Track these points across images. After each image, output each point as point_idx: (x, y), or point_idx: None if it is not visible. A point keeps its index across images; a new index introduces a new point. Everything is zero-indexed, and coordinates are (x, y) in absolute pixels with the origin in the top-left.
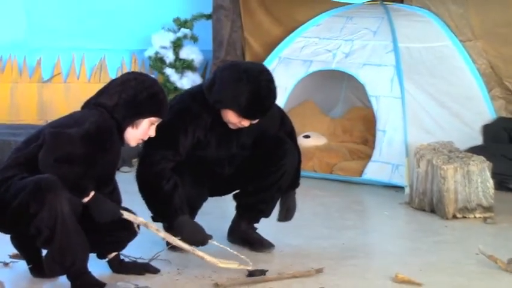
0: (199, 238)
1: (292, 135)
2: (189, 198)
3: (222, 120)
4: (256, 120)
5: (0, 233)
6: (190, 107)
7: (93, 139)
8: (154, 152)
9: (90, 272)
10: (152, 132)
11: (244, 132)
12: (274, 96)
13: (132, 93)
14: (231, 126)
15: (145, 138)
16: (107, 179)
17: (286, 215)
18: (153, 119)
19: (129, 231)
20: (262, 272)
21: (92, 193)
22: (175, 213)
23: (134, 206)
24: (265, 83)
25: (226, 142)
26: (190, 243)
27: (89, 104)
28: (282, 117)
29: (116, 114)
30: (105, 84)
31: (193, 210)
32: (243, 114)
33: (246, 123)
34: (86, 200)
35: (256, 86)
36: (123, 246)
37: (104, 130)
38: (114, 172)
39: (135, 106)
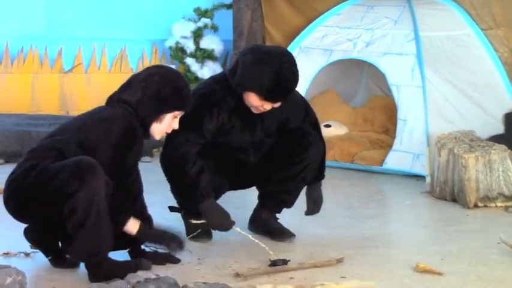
0: (224, 223)
1: (316, 126)
2: None
3: (245, 105)
4: (278, 104)
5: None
6: (215, 90)
7: (123, 147)
8: (179, 135)
9: (113, 259)
10: (176, 125)
11: (268, 118)
12: (296, 79)
13: (156, 89)
14: (253, 110)
15: (169, 131)
16: (130, 170)
17: (313, 208)
18: (176, 112)
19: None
20: (284, 262)
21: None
22: (201, 197)
23: (155, 195)
24: (287, 65)
25: (250, 127)
26: (216, 228)
27: (113, 101)
28: (306, 108)
29: (140, 110)
30: (127, 77)
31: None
32: (265, 96)
33: (267, 106)
34: None
35: (278, 67)
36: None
37: (131, 133)
38: (137, 163)
39: (160, 102)
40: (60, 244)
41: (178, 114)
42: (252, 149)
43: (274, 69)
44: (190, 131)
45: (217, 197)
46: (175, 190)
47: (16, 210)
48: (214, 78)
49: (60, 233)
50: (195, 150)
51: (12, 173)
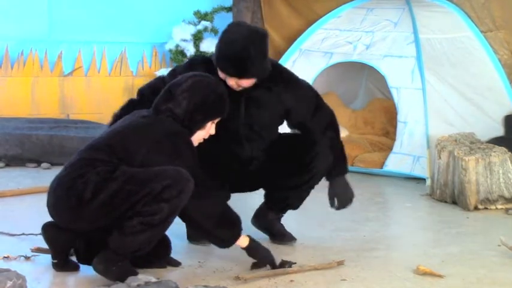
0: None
1: (330, 126)
2: None
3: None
4: (243, 81)
5: (21, 227)
6: (195, 66)
7: (191, 160)
8: None
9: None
10: (213, 130)
11: (253, 103)
12: (243, 47)
13: (201, 98)
14: (233, 87)
15: (207, 137)
16: None
17: (338, 204)
18: (217, 119)
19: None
20: (290, 264)
21: None
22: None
23: None
24: (242, 35)
25: (233, 110)
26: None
27: (159, 111)
28: (318, 106)
29: (187, 121)
30: (127, 81)
31: None
32: (219, 65)
33: (232, 81)
34: None
35: (230, 37)
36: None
37: (192, 147)
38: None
39: (206, 110)
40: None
41: (217, 120)
42: (245, 139)
43: (224, 37)
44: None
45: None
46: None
47: (76, 218)
48: (199, 60)
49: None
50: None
51: (61, 178)
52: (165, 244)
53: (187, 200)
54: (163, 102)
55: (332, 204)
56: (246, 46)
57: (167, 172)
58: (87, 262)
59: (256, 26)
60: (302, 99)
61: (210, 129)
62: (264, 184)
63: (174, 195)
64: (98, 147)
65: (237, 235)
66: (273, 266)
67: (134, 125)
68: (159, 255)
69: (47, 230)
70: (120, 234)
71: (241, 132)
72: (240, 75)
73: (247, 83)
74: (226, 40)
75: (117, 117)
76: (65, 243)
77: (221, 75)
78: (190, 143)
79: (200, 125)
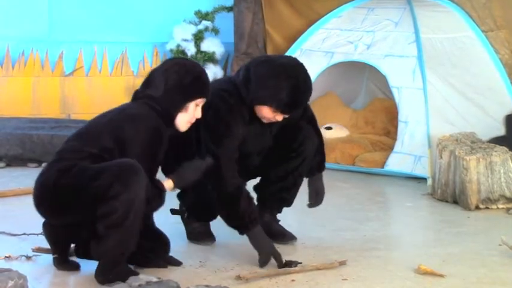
0: (270, 251)
1: (312, 119)
2: None
3: (256, 117)
4: (290, 114)
5: (22, 227)
6: (232, 107)
7: (153, 146)
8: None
9: (126, 262)
10: (198, 114)
11: (275, 124)
12: (311, 90)
13: (177, 79)
14: (264, 121)
15: (193, 121)
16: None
17: (316, 198)
18: (198, 100)
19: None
20: (296, 264)
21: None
22: (250, 223)
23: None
24: (303, 77)
25: (261, 136)
26: (264, 255)
27: (138, 97)
28: (305, 107)
29: (165, 103)
30: (128, 80)
31: None
32: (282, 109)
33: (280, 117)
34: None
35: (296, 80)
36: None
37: (158, 132)
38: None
39: (182, 90)
40: (72, 246)
41: (200, 102)
42: (257, 154)
43: (291, 82)
44: (230, 150)
45: None
46: (224, 215)
47: (49, 212)
48: (225, 91)
49: (85, 233)
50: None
51: (40, 176)
52: (163, 242)
53: (142, 190)
54: (142, 88)
55: (312, 200)
56: (311, 89)
57: (109, 168)
58: (87, 256)
59: (290, 57)
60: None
61: (195, 112)
62: (257, 174)
63: (121, 191)
64: (71, 138)
65: None
66: (277, 260)
67: (103, 113)
68: (157, 252)
69: (46, 226)
70: (94, 243)
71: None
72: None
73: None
74: (296, 86)
75: None
76: (63, 238)
77: (267, 114)
78: (155, 128)
79: (180, 107)
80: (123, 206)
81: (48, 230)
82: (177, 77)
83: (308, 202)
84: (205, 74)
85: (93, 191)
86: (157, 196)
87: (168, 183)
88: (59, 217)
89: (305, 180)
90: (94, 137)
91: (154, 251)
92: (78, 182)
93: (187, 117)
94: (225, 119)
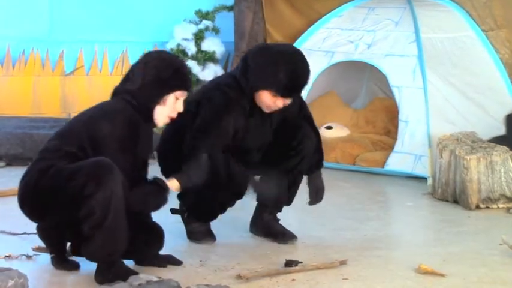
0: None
1: (310, 118)
2: None
3: (257, 106)
4: (290, 100)
5: (22, 226)
6: (231, 98)
7: (128, 140)
8: (203, 143)
9: (122, 261)
10: (180, 107)
11: (275, 118)
12: (309, 74)
13: (155, 72)
14: (265, 110)
15: (174, 115)
16: (144, 163)
17: (316, 197)
18: (178, 93)
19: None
20: (296, 264)
21: None
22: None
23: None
24: (300, 62)
25: (262, 128)
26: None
27: (116, 93)
28: (301, 102)
29: (142, 96)
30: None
31: None
32: (281, 92)
33: (280, 103)
34: None
35: (293, 64)
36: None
37: (133, 125)
38: (149, 156)
39: (160, 84)
40: (68, 245)
41: (180, 95)
42: (257, 150)
43: (290, 66)
44: (214, 140)
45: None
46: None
47: (32, 212)
48: (225, 85)
49: (71, 234)
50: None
51: (24, 176)
52: (158, 234)
53: (118, 187)
54: (121, 84)
55: (312, 198)
56: (309, 72)
57: (83, 168)
58: (81, 255)
59: (287, 44)
60: (293, 102)
61: (175, 105)
62: (257, 173)
63: (96, 190)
64: (53, 137)
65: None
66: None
67: (84, 111)
68: (151, 244)
69: (39, 228)
70: (83, 244)
71: (264, 139)
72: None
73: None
74: (294, 70)
75: None
76: (56, 239)
77: (267, 99)
78: (130, 121)
79: (157, 100)
80: (100, 206)
81: (41, 232)
82: (155, 71)
83: (308, 200)
84: (185, 67)
85: (70, 191)
86: (156, 193)
87: (173, 183)
88: (42, 218)
89: (304, 179)
90: (72, 136)
91: (148, 243)
92: (55, 183)
93: (166, 110)
94: (220, 112)
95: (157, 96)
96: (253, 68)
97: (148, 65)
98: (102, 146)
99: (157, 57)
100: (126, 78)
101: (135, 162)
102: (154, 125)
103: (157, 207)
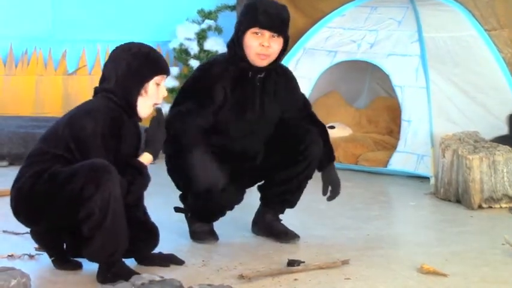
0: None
1: (313, 116)
2: None
3: (246, 79)
4: (275, 41)
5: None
6: (216, 60)
7: (113, 137)
8: (186, 104)
9: (123, 261)
10: (163, 92)
11: (267, 96)
12: (283, 7)
13: (126, 64)
14: (257, 61)
15: (159, 101)
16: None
17: (333, 191)
18: (156, 78)
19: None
20: (298, 263)
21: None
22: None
23: (161, 196)
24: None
25: (250, 102)
26: (201, 185)
27: (96, 93)
28: (305, 101)
29: (121, 91)
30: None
31: None
32: (260, 23)
33: (266, 40)
34: None
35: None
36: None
37: (116, 122)
38: (136, 154)
39: (134, 75)
40: (65, 246)
41: (159, 79)
42: (256, 132)
43: (261, 1)
44: (196, 102)
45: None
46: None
47: (27, 218)
48: (208, 62)
49: (69, 236)
50: (201, 123)
51: (16, 181)
52: (153, 232)
53: (116, 188)
54: (99, 84)
55: (326, 193)
56: (284, 7)
57: (81, 170)
58: (78, 256)
59: None
60: (295, 96)
61: (157, 91)
62: (262, 177)
63: (95, 192)
64: (39, 141)
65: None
66: None
67: (67, 113)
68: (147, 242)
69: (33, 233)
70: (83, 247)
71: (253, 124)
72: (279, 32)
73: (276, 46)
74: (263, 2)
75: None
76: (51, 242)
77: (252, 40)
78: (112, 117)
79: (136, 92)
80: (99, 207)
81: (36, 237)
82: (125, 63)
83: (324, 195)
84: (154, 51)
85: (68, 195)
86: (137, 175)
87: (144, 157)
88: (38, 223)
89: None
90: (57, 138)
91: (144, 240)
92: (51, 187)
93: (149, 100)
94: (205, 69)
95: (135, 88)
96: (235, 28)
97: (117, 61)
98: (88, 143)
99: (123, 49)
100: (102, 78)
101: (120, 159)
102: (139, 119)
103: (139, 191)
